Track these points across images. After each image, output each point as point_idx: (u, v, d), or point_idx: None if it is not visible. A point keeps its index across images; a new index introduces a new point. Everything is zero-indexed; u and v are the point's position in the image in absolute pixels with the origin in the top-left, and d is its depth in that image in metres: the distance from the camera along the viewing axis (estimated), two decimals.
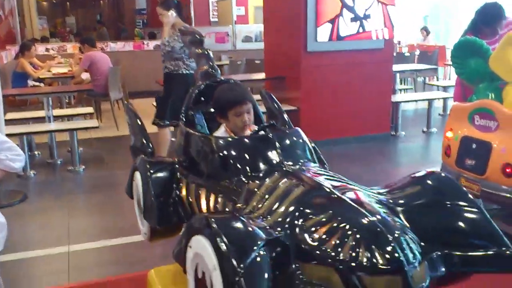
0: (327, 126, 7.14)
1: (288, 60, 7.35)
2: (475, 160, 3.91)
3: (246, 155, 2.57)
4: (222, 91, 2.91)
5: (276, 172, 2.42)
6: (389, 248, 1.82)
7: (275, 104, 3.30)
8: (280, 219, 2.08)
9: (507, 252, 2.06)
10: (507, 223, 4.05)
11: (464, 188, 2.23)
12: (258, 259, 1.85)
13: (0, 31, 10.59)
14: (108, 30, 20.99)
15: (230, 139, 2.68)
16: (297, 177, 2.31)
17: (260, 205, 2.24)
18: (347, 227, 1.90)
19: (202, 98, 3.31)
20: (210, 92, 3.10)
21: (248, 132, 2.81)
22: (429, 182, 2.25)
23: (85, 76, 9.31)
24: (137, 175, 3.22)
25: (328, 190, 2.11)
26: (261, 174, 2.46)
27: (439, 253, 2.04)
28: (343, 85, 7.21)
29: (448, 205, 2.15)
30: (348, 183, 2.29)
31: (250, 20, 15.26)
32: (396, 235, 1.89)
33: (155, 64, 11.16)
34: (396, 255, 1.81)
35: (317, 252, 1.90)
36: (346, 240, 1.87)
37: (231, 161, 2.58)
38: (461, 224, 2.11)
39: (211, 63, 3.50)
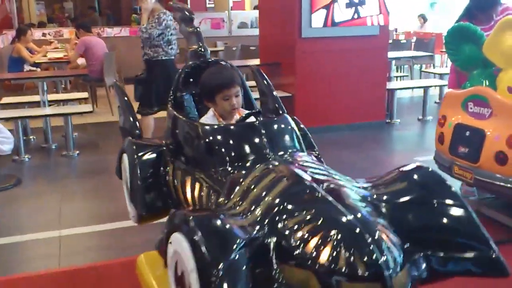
0: (322, 113, 7.10)
1: (282, 46, 7.30)
2: (469, 148, 3.87)
3: (232, 144, 2.54)
4: (209, 74, 2.85)
5: (261, 163, 2.37)
6: (368, 253, 1.77)
7: (265, 82, 3.23)
8: (261, 217, 2.03)
9: (492, 255, 2.02)
10: (501, 212, 4.04)
11: (450, 185, 2.15)
12: (237, 259, 1.81)
13: None
14: (106, 16, 20.82)
15: (215, 126, 2.64)
16: (282, 170, 2.25)
17: (242, 200, 2.19)
18: (328, 228, 1.85)
19: (191, 79, 3.26)
20: (199, 73, 3.05)
21: (237, 117, 2.78)
22: (415, 177, 2.18)
23: (81, 61, 9.26)
24: (125, 157, 3.20)
25: (311, 186, 2.07)
26: (247, 164, 2.42)
27: (422, 254, 2.00)
28: (338, 72, 7.16)
29: (434, 204, 2.09)
30: (333, 177, 2.23)
31: (246, 6, 15.16)
32: (377, 237, 1.83)
33: None
34: (376, 260, 1.76)
35: (297, 253, 1.85)
36: (325, 242, 1.81)
37: (216, 149, 2.55)
38: (446, 224, 2.06)
39: (200, 42, 3.43)
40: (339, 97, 7.21)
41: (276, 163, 2.33)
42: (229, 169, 2.45)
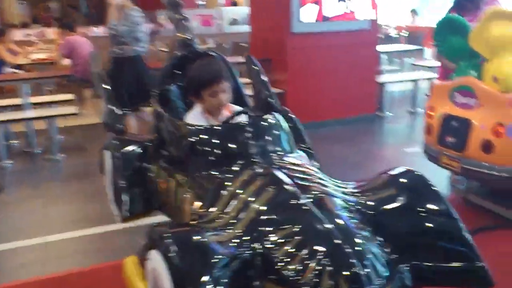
0: (313, 108, 7.10)
1: (273, 42, 7.30)
2: (456, 138, 3.91)
3: (217, 147, 2.44)
4: (196, 68, 2.73)
5: (248, 167, 2.31)
6: (349, 267, 1.78)
7: (256, 69, 3.11)
8: (244, 231, 1.99)
9: (478, 265, 2.04)
10: (488, 199, 4.10)
11: (438, 191, 2.18)
12: (218, 278, 1.79)
13: None
14: (92, 16, 20.63)
15: (200, 127, 2.53)
16: (268, 178, 2.20)
17: (226, 210, 2.14)
18: (311, 244, 1.85)
19: (179, 71, 3.14)
20: (187, 64, 2.94)
21: (225, 113, 2.69)
22: (403, 181, 2.21)
23: (68, 62, 9.09)
24: (107, 154, 3.10)
25: (297, 197, 2.03)
26: (233, 168, 2.34)
27: (408, 265, 2.01)
28: (329, 67, 7.18)
29: (422, 212, 2.10)
30: (321, 183, 2.20)
31: (238, 3, 15.11)
32: (359, 250, 1.84)
33: None
34: (357, 274, 1.77)
35: (279, 270, 1.85)
36: (308, 258, 1.82)
37: (201, 152, 2.46)
38: (433, 233, 2.08)
39: (188, 31, 3.33)
40: (330, 92, 7.23)
41: (262, 170, 2.27)
42: (215, 173, 2.37)
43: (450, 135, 3.97)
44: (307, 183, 2.16)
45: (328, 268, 1.78)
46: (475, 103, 3.79)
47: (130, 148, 2.97)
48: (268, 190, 2.11)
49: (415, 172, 2.26)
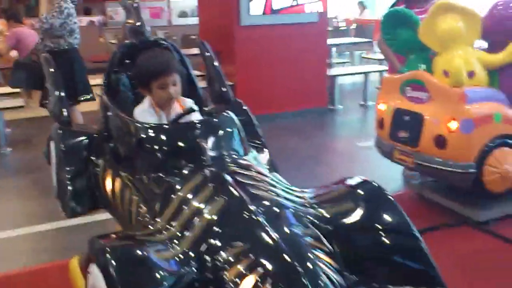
0: (264, 101, 7.01)
1: (222, 34, 7.18)
2: (408, 132, 3.87)
3: (166, 147, 2.33)
4: (144, 60, 2.60)
5: (199, 173, 2.19)
6: None
7: (209, 56, 3.03)
8: (191, 247, 1.89)
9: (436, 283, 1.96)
10: (442, 195, 4.07)
11: (396, 204, 2.10)
12: None
13: None
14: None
15: (147, 125, 2.41)
16: (218, 185, 2.09)
17: (173, 220, 2.03)
18: (261, 263, 1.76)
19: (127, 60, 3.01)
20: (136, 53, 2.80)
21: (176, 107, 2.58)
22: (360, 194, 2.13)
23: (15, 54, 8.80)
24: (52, 145, 2.97)
25: (248, 209, 1.93)
26: (183, 171, 2.23)
27: (366, 286, 1.94)
28: (278, 60, 7.12)
29: (379, 228, 2.03)
30: (274, 192, 2.11)
31: None
32: (312, 270, 1.76)
33: (88, 40, 10.77)
34: None
35: None
36: (258, 279, 1.73)
37: (149, 152, 2.34)
38: (391, 251, 2.00)
39: (139, 18, 3.19)
40: (281, 85, 7.17)
41: (213, 174, 2.16)
42: (163, 176, 2.25)
43: (402, 130, 3.93)
44: (259, 192, 2.07)
45: None
46: (426, 97, 3.74)
47: (75, 139, 2.84)
48: (217, 199, 2.01)
49: (373, 183, 2.18)
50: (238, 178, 2.13)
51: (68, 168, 2.75)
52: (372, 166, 5.08)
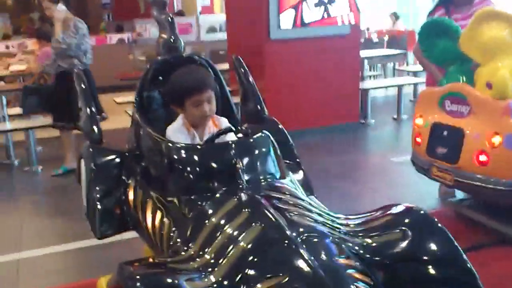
0: (295, 116, 6.86)
1: (251, 49, 7.07)
2: (447, 148, 3.70)
3: (199, 169, 2.23)
4: (178, 76, 2.52)
5: (232, 197, 2.08)
6: None
7: (245, 75, 2.97)
8: (225, 276, 1.77)
9: None
10: (481, 213, 3.88)
11: (446, 231, 1.96)
12: None
13: None
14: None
15: (179, 145, 2.32)
16: (255, 210, 1.98)
17: (205, 247, 1.92)
18: None
19: (160, 77, 2.92)
20: (169, 69, 2.71)
21: (210, 125, 2.49)
22: (406, 223, 1.98)
23: None
24: (82, 164, 2.88)
25: (287, 238, 1.80)
26: (216, 195, 2.13)
27: None
28: (309, 74, 6.95)
29: (428, 258, 1.88)
30: (314, 219, 1.99)
31: (216, 10, 14.90)
32: None
33: (118, 58, 10.83)
34: None
35: None
36: None
37: (181, 174, 2.25)
38: (442, 282, 1.86)
39: (173, 32, 3.06)
40: (312, 100, 7.00)
41: (249, 198, 2.05)
42: (195, 199, 2.15)
43: (441, 145, 3.77)
44: (297, 218, 1.95)
45: None
46: (467, 111, 3.55)
47: (106, 158, 2.75)
48: (254, 225, 1.89)
49: (421, 211, 2.04)
50: (274, 203, 2.02)
51: (98, 188, 2.67)
52: (407, 183, 4.89)
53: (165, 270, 1.83)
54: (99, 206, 2.65)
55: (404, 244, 1.91)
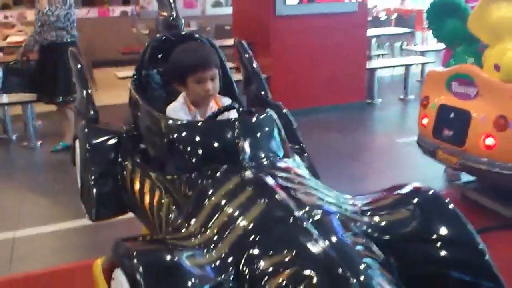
0: (300, 95, 6.80)
1: (257, 25, 6.98)
2: (454, 131, 3.64)
3: (200, 146, 2.15)
4: (181, 52, 2.43)
5: (235, 173, 2.02)
6: None
7: (248, 58, 2.88)
8: (227, 253, 1.71)
9: None
10: (487, 196, 3.82)
11: (457, 212, 1.91)
12: None
13: None
14: None
15: (180, 122, 2.24)
16: (258, 188, 1.92)
17: (207, 224, 1.85)
18: (309, 274, 1.56)
19: (160, 55, 2.84)
20: (169, 48, 2.62)
21: (213, 104, 2.41)
22: (415, 203, 1.92)
23: None
24: (77, 144, 2.84)
25: (293, 215, 1.74)
26: (217, 173, 2.05)
27: None
28: (315, 51, 6.85)
29: (438, 237, 1.83)
30: (320, 197, 1.92)
31: None
32: (365, 283, 1.56)
33: (121, 31, 10.71)
34: None
35: None
36: None
37: (181, 151, 2.17)
38: (452, 262, 1.81)
39: (173, 10, 2.98)
40: (317, 78, 6.91)
41: (252, 176, 1.99)
42: (196, 177, 2.08)
43: (447, 128, 3.70)
44: (303, 196, 1.88)
45: None
46: (474, 93, 3.48)
47: (102, 139, 2.68)
48: (258, 202, 1.84)
49: (432, 191, 1.98)
50: (278, 181, 1.95)
51: (93, 169, 2.61)
52: (413, 164, 4.84)
53: (164, 246, 1.76)
54: (94, 189, 2.59)
55: (413, 223, 1.86)
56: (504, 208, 3.66)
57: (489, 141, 3.35)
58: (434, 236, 1.83)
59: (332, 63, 6.94)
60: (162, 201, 2.20)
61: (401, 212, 1.91)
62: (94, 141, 2.66)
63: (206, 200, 1.95)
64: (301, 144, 2.71)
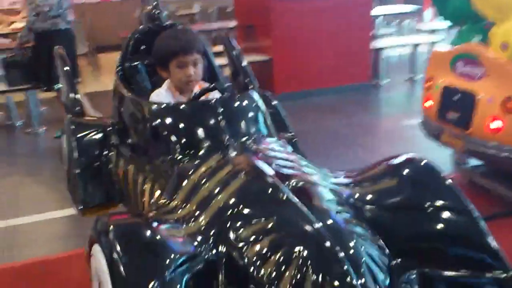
0: (302, 76, 6.69)
1: (258, 7, 6.85)
2: (458, 113, 3.49)
3: (181, 127, 2.17)
4: (164, 37, 2.48)
5: (217, 152, 2.03)
6: (341, 275, 1.44)
7: (234, 53, 2.91)
8: (207, 224, 1.68)
9: (503, 275, 1.66)
10: (495, 181, 3.70)
11: (451, 183, 1.82)
12: (171, 282, 1.47)
13: None
14: None
15: (161, 105, 2.26)
16: (239, 162, 1.92)
17: (188, 199, 1.84)
18: (291, 242, 1.52)
19: (143, 47, 2.90)
20: (152, 39, 2.65)
21: (196, 89, 2.41)
22: (406, 173, 1.87)
23: None
24: (63, 139, 2.91)
25: (274, 185, 1.72)
26: (200, 152, 2.07)
27: (416, 271, 1.68)
28: (318, 32, 6.70)
29: (430, 207, 1.77)
30: (304, 171, 1.90)
31: None
32: (353, 254, 1.50)
33: (122, 16, 10.60)
34: (351, 284, 1.42)
35: (250, 273, 1.52)
36: (287, 260, 1.48)
37: (163, 133, 2.19)
38: (446, 233, 1.73)
39: (156, 4, 3.03)
40: (320, 59, 6.76)
41: (234, 152, 2.00)
42: (178, 157, 2.09)
43: (451, 110, 3.55)
44: (287, 171, 1.86)
45: (312, 276, 1.43)
46: (480, 74, 3.33)
47: (87, 132, 2.75)
48: (238, 177, 1.83)
49: (423, 160, 1.91)
50: (260, 156, 1.96)
51: (79, 162, 2.67)
52: (419, 148, 4.63)
53: (141, 220, 1.75)
54: (80, 181, 2.64)
55: (404, 192, 1.81)
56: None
57: (496, 124, 3.19)
58: (425, 206, 1.77)
59: (335, 43, 6.79)
60: (145, 185, 2.20)
61: (391, 181, 1.87)
62: (79, 135, 2.71)
63: (187, 178, 1.95)
64: (291, 133, 2.71)
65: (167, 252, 1.54)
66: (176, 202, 1.88)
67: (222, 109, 2.17)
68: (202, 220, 1.71)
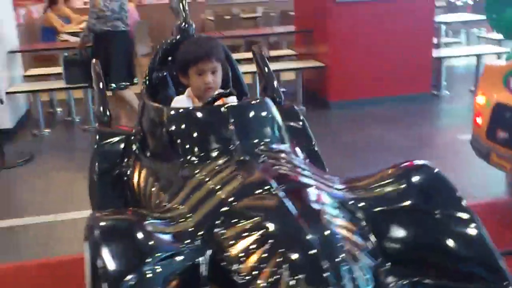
0: (358, 85, 6.54)
1: (317, 11, 6.75)
2: (509, 133, 3.32)
3: (193, 131, 2.21)
4: (186, 45, 2.55)
5: (223, 157, 2.05)
6: (321, 283, 1.41)
7: (266, 69, 2.92)
8: (196, 224, 1.70)
9: None
10: None
11: (459, 194, 1.73)
12: (150, 279, 1.49)
13: None
14: None
15: (173, 111, 2.31)
16: (240, 166, 1.93)
17: (186, 200, 1.87)
18: (275, 244, 1.51)
19: (169, 58, 2.95)
20: (177, 50, 2.69)
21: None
22: (413, 179, 1.80)
23: None
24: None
25: (268, 186, 1.71)
26: (211, 155, 2.09)
27: (407, 281, 1.61)
28: (376, 39, 6.52)
29: (433, 214, 1.69)
30: (303, 173, 1.89)
31: None
32: (338, 261, 1.47)
33: (191, 17, 10.74)
34: None
35: (232, 274, 1.53)
36: (268, 263, 1.48)
37: (174, 137, 2.23)
38: (446, 242, 1.66)
39: (186, 17, 3.07)
40: (378, 66, 6.58)
41: (239, 157, 2.01)
42: (187, 160, 2.12)
43: (502, 129, 3.38)
44: (285, 172, 1.88)
45: (290, 282, 1.43)
46: None
47: (109, 141, 2.80)
48: (235, 180, 1.85)
49: (432, 168, 1.85)
50: (265, 160, 1.99)
51: (98, 168, 2.72)
52: (472, 164, 4.40)
53: (131, 217, 1.77)
54: (99, 186, 2.70)
55: (404, 197, 1.76)
56: None
57: None
58: (431, 215, 1.71)
59: (395, 51, 6.60)
60: (153, 188, 2.24)
61: (397, 186, 1.81)
62: (101, 142, 2.77)
63: (190, 180, 1.98)
64: (313, 143, 2.70)
65: (149, 248, 1.55)
66: (174, 202, 1.91)
67: (232, 114, 2.18)
68: (192, 219, 1.74)
